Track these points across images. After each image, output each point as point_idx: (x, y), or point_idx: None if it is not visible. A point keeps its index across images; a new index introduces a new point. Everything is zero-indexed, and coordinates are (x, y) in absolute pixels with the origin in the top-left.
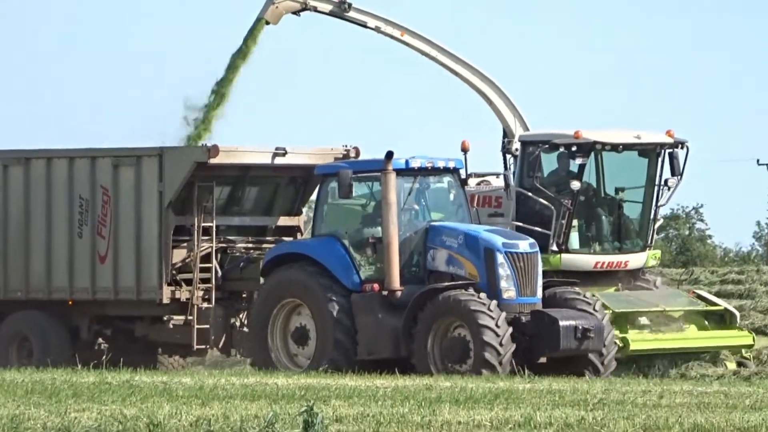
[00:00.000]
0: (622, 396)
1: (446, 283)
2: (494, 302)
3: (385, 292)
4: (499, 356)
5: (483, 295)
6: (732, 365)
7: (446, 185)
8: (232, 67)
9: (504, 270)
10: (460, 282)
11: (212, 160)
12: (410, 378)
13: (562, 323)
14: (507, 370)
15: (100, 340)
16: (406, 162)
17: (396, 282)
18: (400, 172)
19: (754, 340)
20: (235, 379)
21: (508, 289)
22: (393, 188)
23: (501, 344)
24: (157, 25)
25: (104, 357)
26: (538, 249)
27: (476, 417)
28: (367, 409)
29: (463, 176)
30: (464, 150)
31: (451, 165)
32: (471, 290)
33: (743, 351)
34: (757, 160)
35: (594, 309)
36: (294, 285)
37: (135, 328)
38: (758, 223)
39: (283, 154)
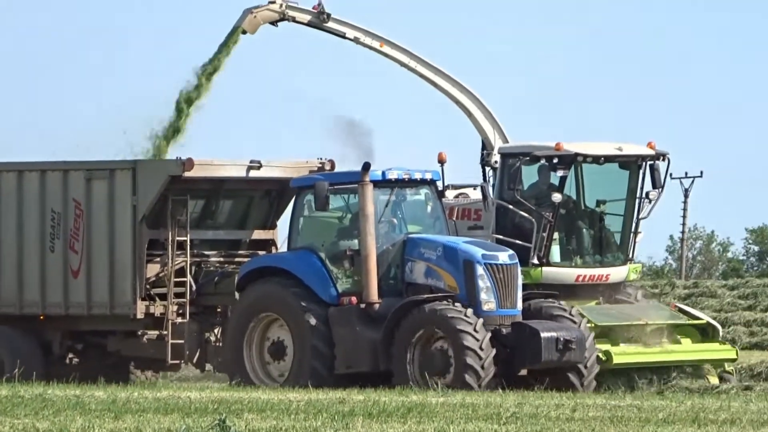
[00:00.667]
0: (535, 409)
1: (425, 296)
2: (470, 310)
3: (362, 305)
4: (480, 360)
5: (458, 304)
6: (714, 379)
7: (423, 197)
8: (205, 76)
9: (483, 282)
10: (439, 294)
11: (187, 174)
12: (323, 392)
13: (543, 335)
14: (491, 374)
15: (71, 355)
16: (383, 174)
17: (374, 295)
18: (376, 184)
19: (737, 354)
20: (148, 392)
21: (488, 300)
22: (370, 200)
23: (481, 348)
24: (130, 31)
25: (74, 373)
26: (517, 260)
27: (389, 430)
28: (280, 423)
29: (440, 188)
30: (441, 162)
31: (428, 177)
32: (450, 302)
33: (725, 365)
34: (670, 174)
35: (575, 321)
36: (270, 299)
37: (107, 343)
38: (671, 237)
39: (258, 167)
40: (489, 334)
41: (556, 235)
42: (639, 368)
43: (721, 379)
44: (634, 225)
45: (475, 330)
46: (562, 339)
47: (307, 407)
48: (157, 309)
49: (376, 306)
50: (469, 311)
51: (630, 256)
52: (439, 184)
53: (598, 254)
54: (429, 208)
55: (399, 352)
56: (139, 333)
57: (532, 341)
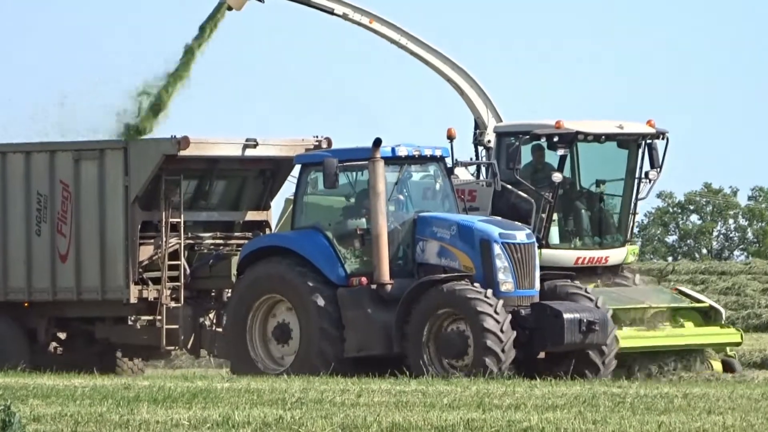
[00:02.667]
0: (321, 395)
1: (442, 275)
2: (490, 291)
3: (374, 286)
4: (501, 343)
5: (478, 285)
6: (717, 364)
7: (432, 174)
8: (188, 55)
9: (501, 261)
10: (455, 274)
11: (182, 153)
12: (108, 378)
13: (566, 316)
14: (511, 357)
15: (55, 344)
16: (393, 150)
17: (386, 275)
18: (386, 161)
19: (741, 338)
20: None
21: (505, 281)
22: (382, 177)
23: (502, 330)
24: (107, 12)
25: (56, 361)
26: (534, 239)
27: (174, 416)
28: (66, 409)
29: (449, 165)
30: (450, 138)
31: (438, 153)
32: (468, 282)
33: (727, 349)
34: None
35: (596, 303)
36: (274, 280)
37: (95, 330)
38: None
39: (254, 146)
40: (509, 317)
41: (554, 217)
42: (642, 353)
43: (725, 364)
44: (632, 206)
45: (495, 312)
46: (585, 320)
47: (93, 393)
48: (150, 293)
49: (388, 287)
50: (489, 292)
51: (629, 237)
52: (448, 161)
53: (597, 236)
54: (438, 186)
55: (414, 335)
56: (132, 319)
57: (554, 323)
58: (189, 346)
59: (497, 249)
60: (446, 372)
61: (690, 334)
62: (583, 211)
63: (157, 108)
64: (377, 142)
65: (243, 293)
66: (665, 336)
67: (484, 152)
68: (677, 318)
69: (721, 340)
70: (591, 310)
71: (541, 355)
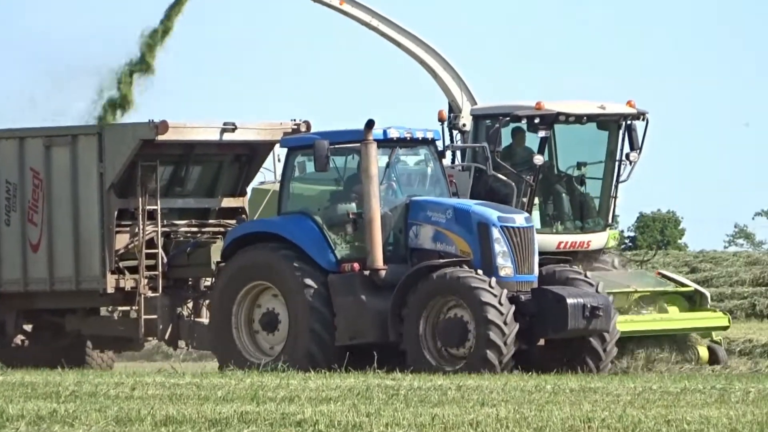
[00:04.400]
0: (95, 388)
1: (441, 260)
2: (494, 279)
3: (366, 272)
4: (504, 336)
5: (480, 272)
6: (704, 350)
7: (423, 158)
8: (154, 39)
9: (500, 246)
10: (454, 259)
11: (160, 137)
12: None
13: (569, 301)
14: (512, 351)
15: (21, 337)
16: (384, 132)
17: (379, 260)
18: (377, 144)
19: (729, 322)
20: None
21: (504, 266)
22: (374, 160)
23: (505, 323)
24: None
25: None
26: (533, 223)
27: None
28: None
29: (441, 148)
30: (441, 120)
31: (430, 136)
32: (466, 267)
33: (713, 335)
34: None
35: (593, 285)
36: (261, 266)
37: (66, 323)
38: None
39: (233, 130)
40: (513, 307)
41: (536, 201)
42: (630, 338)
43: (710, 350)
44: (613, 189)
45: (500, 303)
46: (588, 306)
47: None
48: (127, 283)
49: (382, 273)
50: (493, 281)
51: (610, 221)
52: (440, 143)
53: (578, 220)
54: (429, 170)
55: (410, 322)
56: (109, 309)
57: (556, 308)
58: (167, 337)
59: (496, 233)
60: (444, 360)
61: (676, 318)
62: (563, 194)
63: (119, 104)
64: (370, 124)
65: (228, 281)
66: (651, 321)
67: (459, 136)
68: (661, 303)
69: (707, 324)
70: (594, 295)
71: (541, 342)
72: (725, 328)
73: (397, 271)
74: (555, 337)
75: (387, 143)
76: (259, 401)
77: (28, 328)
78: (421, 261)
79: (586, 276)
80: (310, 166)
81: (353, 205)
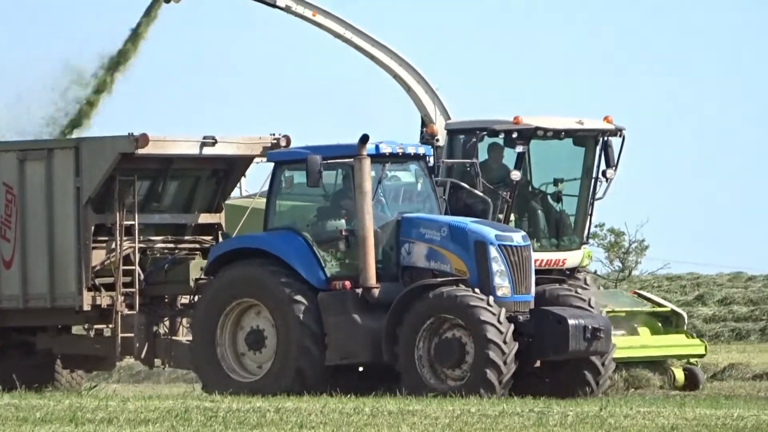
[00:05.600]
0: None
1: (437, 279)
2: (492, 298)
3: (359, 290)
4: (503, 355)
5: (478, 290)
6: (680, 373)
7: (413, 174)
8: (126, 49)
9: (498, 264)
10: (451, 278)
11: (140, 151)
12: None
13: (570, 322)
14: (512, 370)
15: None
16: (376, 147)
17: (372, 279)
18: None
19: (705, 350)
20: None
21: (502, 285)
22: (368, 175)
23: (505, 342)
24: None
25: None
26: (530, 242)
27: None
28: None
29: (431, 164)
30: (432, 135)
31: (421, 151)
32: (463, 286)
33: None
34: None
35: (592, 307)
36: (248, 283)
37: (36, 341)
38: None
39: (213, 144)
40: (512, 327)
41: (512, 217)
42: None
43: (687, 372)
44: (589, 206)
45: (498, 321)
46: (590, 327)
47: None
48: (104, 300)
49: (375, 292)
50: (491, 299)
51: (585, 239)
52: (431, 159)
53: (554, 237)
54: (420, 186)
55: (406, 341)
56: (85, 327)
57: (557, 329)
58: (143, 355)
59: (493, 251)
60: (441, 381)
61: (653, 345)
62: (539, 211)
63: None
64: (364, 139)
65: (212, 297)
66: (628, 348)
67: (431, 151)
68: (632, 324)
69: (684, 351)
70: (594, 316)
71: (537, 363)
72: (702, 355)
73: (389, 289)
74: (555, 359)
75: (378, 158)
76: (77, 422)
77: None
78: (414, 279)
79: (585, 298)
80: (297, 181)
81: (342, 221)
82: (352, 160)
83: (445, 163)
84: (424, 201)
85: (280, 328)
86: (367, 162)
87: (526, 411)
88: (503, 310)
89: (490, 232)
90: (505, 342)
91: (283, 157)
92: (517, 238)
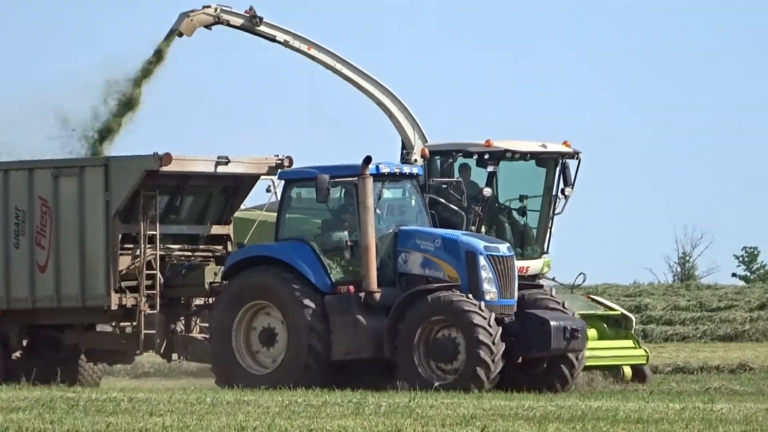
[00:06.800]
0: None
1: (434, 285)
2: (483, 303)
3: (362, 294)
4: (492, 354)
5: (470, 296)
6: (628, 370)
7: (407, 191)
8: (141, 78)
9: (486, 272)
10: (446, 284)
11: (163, 168)
12: None
13: (552, 323)
14: (499, 367)
15: (19, 351)
16: (377, 167)
17: (374, 284)
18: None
19: (647, 360)
20: None
21: (489, 290)
22: (371, 192)
23: (494, 342)
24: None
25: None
26: (513, 253)
27: None
28: None
29: (422, 183)
30: (424, 157)
31: (415, 171)
32: (457, 292)
33: None
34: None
35: (566, 310)
36: (261, 287)
37: (64, 337)
38: None
39: (226, 163)
40: (500, 329)
41: (483, 229)
42: None
43: (635, 370)
44: (549, 220)
45: (489, 324)
46: (569, 328)
47: None
48: (128, 301)
49: (377, 295)
50: (482, 304)
51: (545, 249)
52: (422, 178)
53: (518, 247)
54: (413, 202)
55: (405, 339)
56: (112, 325)
57: (540, 330)
58: (162, 350)
59: (482, 260)
60: (434, 374)
61: (602, 356)
62: (505, 224)
63: (107, 136)
64: (367, 160)
65: (229, 300)
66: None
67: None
68: (592, 325)
69: (628, 361)
70: (572, 318)
71: (519, 360)
72: (643, 364)
73: (387, 293)
74: (537, 356)
75: (378, 177)
76: None
77: (24, 341)
78: (410, 285)
79: (561, 303)
80: (305, 197)
81: (345, 233)
82: (356, 178)
83: (436, 181)
84: (416, 215)
85: (290, 328)
86: (370, 180)
87: (345, 401)
88: (493, 314)
89: (479, 243)
90: (494, 343)
91: (294, 176)
92: (503, 248)
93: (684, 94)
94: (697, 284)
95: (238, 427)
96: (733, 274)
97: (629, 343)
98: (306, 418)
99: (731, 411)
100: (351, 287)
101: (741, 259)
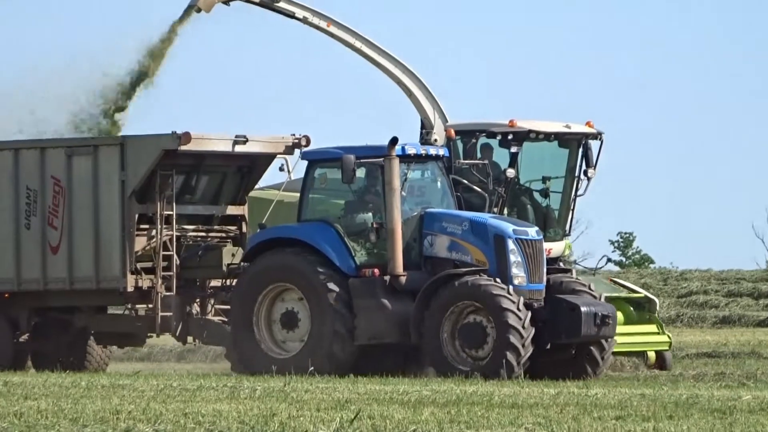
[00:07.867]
0: None
1: (462, 269)
2: (511, 287)
3: (386, 277)
4: (522, 338)
5: (498, 280)
6: (652, 354)
7: (432, 173)
8: (158, 51)
9: (515, 256)
10: (473, 268)
11: (182, 148)
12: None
13: (583, 309)
14: (529, 352)
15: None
16: (403, 148)
17: (400, 267)
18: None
19: (670, 347)
20: None
21: (518, 275)
22: (397, 174)
23: (524, 327)
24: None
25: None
26: (542, 236)
27: None
28: None
29: (448, 164)
30: (449, 138)
31: (441, 153)
32: (485, 276)
33: None
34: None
35: (595, 296)
36: (285, 269)
37: (75, 319)
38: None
39: (244, 142)
40: (530, 313)
41: (505, 211)
42: None
43: (658, 354)
44: (572, 202)
45: (518, 309)
46: (600, 314)
47: None
48: (144, 282)
49: (402, 279)
50: (511, 288)
51: (567, 231)
52: (447, 160)
53: (541, 229)
54: (439, 184)
55: (432, 325)
56: (128, 307)
57: (570, 315)
58: (177, 333)
59: (511, 244)
60: (461, 360)
61: (626, 340)
62: (528, 206)
63: (117, 110)
64: (394, 141)
65: (251, 281)
66: None
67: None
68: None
69: (654, 348)
70: (602, 304)
71: (548, 345)
72: (666, 350)
73: (413, 277)
74: (567, 342)
75: (404, 158)
76: None
77: (43, 324)
78: (436, 269)
79: (589, 287)
80: (329, 178)
81: (370, 215)
82: (381, 159)
83: (461, 163)
84: (442, 197)
85: (314, 312)
86: (396, 162)
87: (221, 386)
88: (521, 298)
89: (508, 226)
90: (523, 327)
91: (318, 156)
92: (532, 232)
93: (715, 82)
94: None
95: (113, 410)
96: None
97: (653, 327)
98: (181, 402)
99: (606, 396)
100: (376, 270)
101: None
